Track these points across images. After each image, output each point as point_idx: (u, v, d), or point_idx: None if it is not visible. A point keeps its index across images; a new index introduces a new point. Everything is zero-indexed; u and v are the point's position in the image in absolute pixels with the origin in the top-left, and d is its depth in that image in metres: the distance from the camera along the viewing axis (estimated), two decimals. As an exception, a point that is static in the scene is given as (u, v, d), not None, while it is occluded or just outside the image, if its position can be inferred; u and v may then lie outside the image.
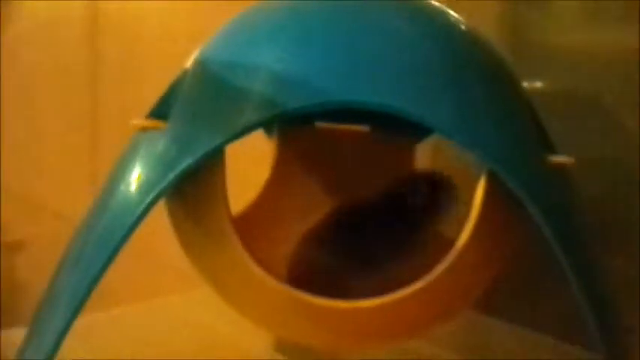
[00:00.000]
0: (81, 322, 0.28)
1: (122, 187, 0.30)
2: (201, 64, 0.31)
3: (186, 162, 0.28)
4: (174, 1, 0.80)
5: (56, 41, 1.07)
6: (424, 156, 0.51)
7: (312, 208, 0.41)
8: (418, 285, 0.29)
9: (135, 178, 0.29)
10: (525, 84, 0.36)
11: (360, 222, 0.40)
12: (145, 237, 0.38)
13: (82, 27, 0.99)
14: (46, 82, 1.10)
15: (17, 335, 0.32)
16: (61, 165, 1.07)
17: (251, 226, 0.38)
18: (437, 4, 0.34)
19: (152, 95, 0.33)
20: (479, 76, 0.31)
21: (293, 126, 0.45)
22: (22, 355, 0.30)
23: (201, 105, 0.30)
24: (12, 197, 1.15)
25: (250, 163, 0.42)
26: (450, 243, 0.30)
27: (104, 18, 0.95)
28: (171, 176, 0.28)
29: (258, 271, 0.29)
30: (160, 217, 0.31)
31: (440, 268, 0.29)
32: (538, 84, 0.48)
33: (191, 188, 0.30)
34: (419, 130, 0.46)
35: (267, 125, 0.45)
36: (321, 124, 0.46)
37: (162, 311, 0.49)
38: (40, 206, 1.12)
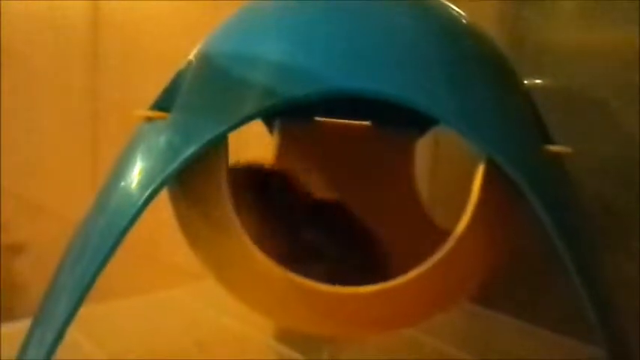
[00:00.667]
0: (82, 314, 0.28)
1: (125, 177, 0.30)
2: (204, 56, 0.32)
3: (190, 150, 0.28)
4: (175, 1, 0.80)
5: (56, 41, 1.07)
6: (424, 152, 0.51)
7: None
8: (417, 272, 0.29)
9: (138, 167, 0.29)
10: (525, 82, 0.36)
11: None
12: (147, 232, 0.39)
13: (82, 27, 0.99)
14: (46, 82, 1.10)
15: (18, 332, 0.32)
16: (61, 166, 1.07)
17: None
18: (439, 0, 0.34)
19: (153, 95, 0.33)
20: (479, 67, 0.31)
21: (294, 121, 0.45)
22: (26, 345, 0.30)
23: (205, 95, 0.30)
24: (12, 198, 1.15)
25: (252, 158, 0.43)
26: (447, 233, 0.30)
27: (104, 18, 0.96)
28: (174, 165, 0.28)
29: (261, 258, 0.29)
30: (161, 212, 0.31)
31: (439, 255, 0.29)
32: (538, 82, 0.48)
33: (195, 178, 0.30)
34: (419, 126, 0.46)
35: (269, 115, 0.45)
36: (322, 119, 0.46)
37: (163, 305, 0.49)
38: (41, 207, 1.12)
